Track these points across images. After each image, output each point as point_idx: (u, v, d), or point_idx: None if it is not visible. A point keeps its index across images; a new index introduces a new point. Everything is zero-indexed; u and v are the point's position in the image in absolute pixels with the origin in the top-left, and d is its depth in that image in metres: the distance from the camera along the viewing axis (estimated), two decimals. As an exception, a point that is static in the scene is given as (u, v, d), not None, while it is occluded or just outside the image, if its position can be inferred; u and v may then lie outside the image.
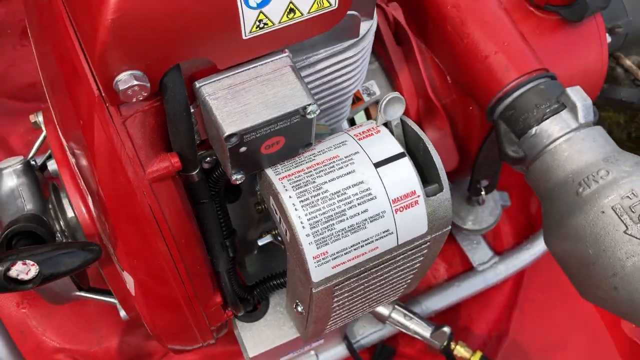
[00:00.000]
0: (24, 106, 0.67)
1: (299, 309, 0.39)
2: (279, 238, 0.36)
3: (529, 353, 0.61)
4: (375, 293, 0.40)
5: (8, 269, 0.35)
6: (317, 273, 0.32)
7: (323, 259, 0.32)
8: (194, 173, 0.34)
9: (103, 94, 0.28)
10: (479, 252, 0.61)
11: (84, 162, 0.32)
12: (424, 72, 0.47)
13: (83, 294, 0.46)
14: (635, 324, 0.39)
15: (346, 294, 0.36)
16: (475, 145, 0.50)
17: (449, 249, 0.62)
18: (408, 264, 0.37)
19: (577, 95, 0.41)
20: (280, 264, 0.46)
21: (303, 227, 0.31)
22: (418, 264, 0.38)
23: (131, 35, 0.26)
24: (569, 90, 0.41)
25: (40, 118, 0.45)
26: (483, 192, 0.55)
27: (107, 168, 0.29)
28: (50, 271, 0.36)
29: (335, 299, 0.36)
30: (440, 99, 0.49)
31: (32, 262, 0.35)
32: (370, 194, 0.32)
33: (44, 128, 0.45)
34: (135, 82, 0.27)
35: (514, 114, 0.43)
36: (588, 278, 0.39)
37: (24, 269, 0.35)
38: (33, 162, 0.44)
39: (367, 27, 0.35)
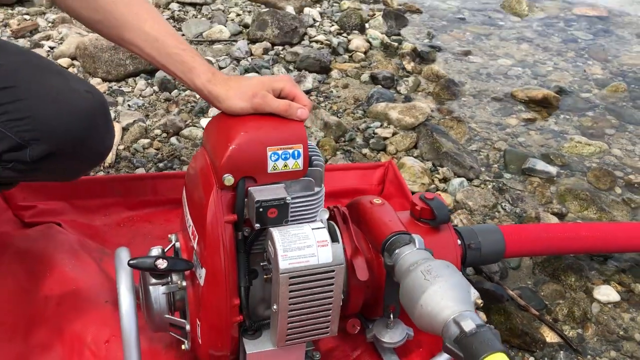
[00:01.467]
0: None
1: (274, 307, 0.80)
2: (270, 267, 0.81)
3: None
4: (312, 308, 0.80)
5: (156, 261, 0.81)
6: (283, 263, 0.76)
7: (285, 258, 0.76)
8: (239, 233, 0.82)
9: (217, 185, 0.79)
10: (393, 363, 0.98)
11: (197, 215, 0.81)
12: (355, 238, 0.96)
13: (170, 316, 0.88)
14: (435, 333, 0.78)
15: (295, 292, 0.78)
16: (383, 281, 0.95)
17: (378, 364, 0.99)
18: (326, 286, 0.79)
19: (416, 238, 0.88)
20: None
21: (280, 243, 0.77)
22: (331, 292, 0.80)
23: (231, 164, 0.78)
24: (413, 235, 0.89)
25: (174, 237, 0.94)
26: (392, 315, 0.96)
27: (212, 212, 0.79)
28: (171, 267, 0.82)
29: (291, 292, 0.78)
30: (364, 254, 0.96)
31: (165, 261, 0.82)
32: (307, 237, 0.78)
33: (173, 239, 0.94)
34: (230, 178, 0.78)
35: (389, 246, 0.89)
36: (412, 306, 0.79)
37: (162, 263, 0.81)
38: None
39: (319, 189, 0.86)
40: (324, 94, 1.88)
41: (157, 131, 1.61)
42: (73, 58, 1.94)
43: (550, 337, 1.13)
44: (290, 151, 0.80)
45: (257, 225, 0.79)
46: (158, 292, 0.86)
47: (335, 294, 0.81)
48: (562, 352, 1.10)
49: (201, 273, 0.81)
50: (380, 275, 0.94)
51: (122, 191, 1.28)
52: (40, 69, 0.91)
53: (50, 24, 2.16)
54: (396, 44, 2.26)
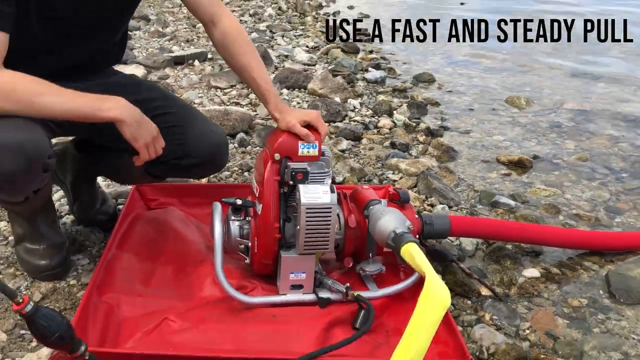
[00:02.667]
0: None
1: (297, 227, 1.41)
2: (296, 207, 1.43)
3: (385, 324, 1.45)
4: (317, 230, 1.40)
5: (237, 199, 1.46)
6: (303, 200, 1.38)
7: (305, 197, 1.38)
8: (281, 189, 1.45)
9: (271, 160, 1.45)
10: (371, 286, 1.55)
11: (259, 178, 1.46)
12: (350, 204, 1.57)
13: (241, 240, 1.50)
14: (384, 241, 1.36)
15: (309, 218, 1.39)
16: (365, 234, 1.54)
17: (362, 287, 1.55)
18: (326, 216, 1.40)
19: (383, 201, 1.49)
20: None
21: (302, 190, 1.39)
22: (329, 221, 1.40)
23: (279, 148, 1.43)
24: (382, 200, 1.50)
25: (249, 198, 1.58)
26: (371, 254, 1.55)
27: (268, 174, 1.43)
28: (243, 203, 1.46)
29: (306, 217, 1.39)
30: (355, 216, 1.56)
31: (240, 200, 1.46)
32: (317, 189, 1.40)
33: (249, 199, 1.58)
34: (278, 155, 1.43)
35: (367, 205, 1.50)
36: (374, 229, 1.39)
37: (239, 201, 1.46)
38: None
39: (327, 170, 1.49)
40: (354, 152, 2.55)
41: (235, 168, 2.30)
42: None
43: (484, 292, 1.66)
44: (311, 144, 1.45)
45: (291, 182, 1.43)
46: (235, 224, 1.50)
47: (332, 223, 1.42)
48: (489, 299, 1.63)
49: (259, 207, 1.45)
50: (364, 230, 1.54)
51: (211, 194, 1.95)
52: (194, 116, 1.62)
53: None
54: (414, 124, 2.93)
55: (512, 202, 2.15)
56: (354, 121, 2.91)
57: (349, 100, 3.20)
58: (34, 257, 1.55)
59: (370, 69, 3.94)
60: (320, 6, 6.56)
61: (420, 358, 1.11)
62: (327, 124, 2.48)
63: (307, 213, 1.39)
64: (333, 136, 2.69)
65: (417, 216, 1.64)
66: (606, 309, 1.62)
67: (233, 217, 1.51)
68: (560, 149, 2.73)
